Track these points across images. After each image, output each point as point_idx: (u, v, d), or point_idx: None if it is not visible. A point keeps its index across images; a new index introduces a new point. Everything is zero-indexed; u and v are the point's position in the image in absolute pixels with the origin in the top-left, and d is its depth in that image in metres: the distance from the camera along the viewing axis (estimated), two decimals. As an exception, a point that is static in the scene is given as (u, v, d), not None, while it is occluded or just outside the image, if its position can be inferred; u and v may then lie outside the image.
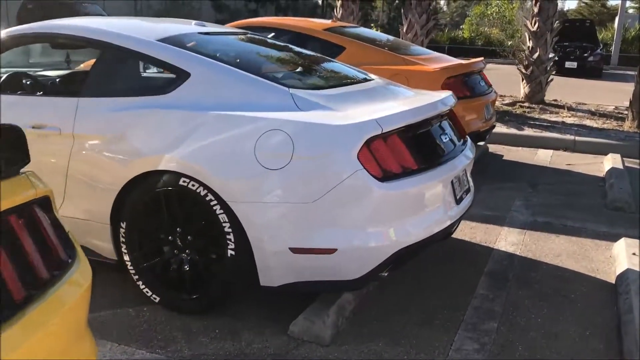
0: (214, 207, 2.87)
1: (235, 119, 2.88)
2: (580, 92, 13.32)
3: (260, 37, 4.21)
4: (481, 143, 6.88)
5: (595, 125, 8.57)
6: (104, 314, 3.10)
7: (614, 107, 10.42)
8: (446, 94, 3.71)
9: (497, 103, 9.88)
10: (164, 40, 3.30)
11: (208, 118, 2.93)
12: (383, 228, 2.82)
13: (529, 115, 9.14)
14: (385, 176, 2.79)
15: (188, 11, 24.22)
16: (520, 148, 7.51)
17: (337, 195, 2.73)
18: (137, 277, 3.16)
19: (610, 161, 6.49)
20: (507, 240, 4.30)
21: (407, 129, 2.98)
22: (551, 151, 7.37)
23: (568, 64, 19.23)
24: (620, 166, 6.30)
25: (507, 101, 10.26)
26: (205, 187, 2.87)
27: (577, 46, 19.59)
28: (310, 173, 2.75)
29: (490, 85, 6.54)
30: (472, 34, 26.80)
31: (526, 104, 9.93)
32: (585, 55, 19.40)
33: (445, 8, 49.89)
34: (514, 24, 25.07)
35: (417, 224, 2.95)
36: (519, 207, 5.09)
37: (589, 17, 29.09)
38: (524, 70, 10.24)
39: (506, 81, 13.33)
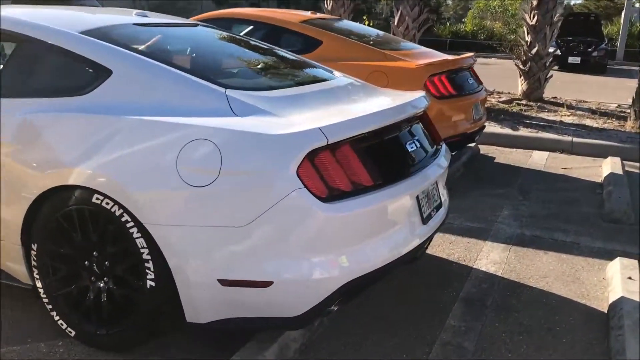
0: (131, 230, 2.44)
1: (155, 125, 2.44)
2: (582, 89, 12.84)
3: (213, 29, 3.75)
4: (472, 145, 6.44)
5: (595, 125, 8.09)
6: (12, 350, 2.67)
7: (616, 105, 9.93)
8: (418, 94, 3.27)
9: (493, 100, 9.42)
10: (88, 32, 2.85)
11: (126, 124, 2.49)
12: (328, 257, 2.38)
13: (525, 113, 8.67)
14: (332, 195, 2.35)
15: (185, 6, 23.71)
16: (515, 150, 7.05)
17: (273, 218, 2.29)
18: (50, 306, 2.74)
19: (609, 165, 6.03)
20: (489, 258, 3.86)
21: (364, 137, 2.54)
22: (547, 153, 6.91)
23: (571, 59, 18.70)
24: (620, 171, 5.84)
25: (503, 98, 9.78)
26: (121, 206, 2.44)
27: (581, 41, 19.04)
28: (241, 192, 2.32)
29: (480, 83, 6.08)
30: (475, 28, 26.23)
31: (523, 102, 9.46)
32: (589, 50, 18.86)
33: (449, 1, 49.22)
34: (517, 17, 24.49)
35: (370, 251, 2.51)
36: (506, 217, 4.64)
37: (594, 11, 28.47)
38: (521, 66, 9.75)
39: (506, 77, 12.87)
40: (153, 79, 2.63)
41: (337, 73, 3.57)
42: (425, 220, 2.86)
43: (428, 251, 3.88)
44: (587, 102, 10.11)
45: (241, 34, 5.80)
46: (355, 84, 3.40)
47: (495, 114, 8.41)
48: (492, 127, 7.63)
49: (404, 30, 8.90)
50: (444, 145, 3.47)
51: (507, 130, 7.52)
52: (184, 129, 2.39)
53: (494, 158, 6.65)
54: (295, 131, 2.33)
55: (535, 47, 9.53)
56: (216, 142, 2.33)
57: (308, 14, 6.04)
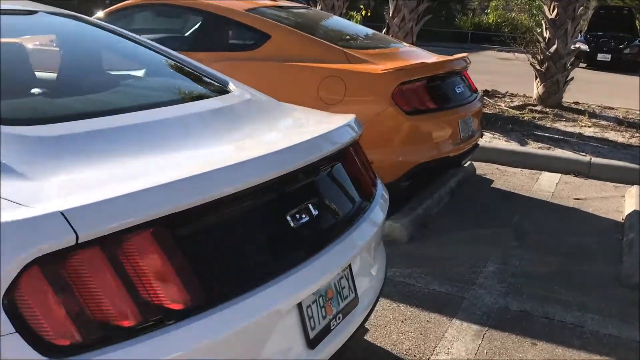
0: None
1: None
2: (609, 91, 11.50)
3: (64, 19, 2.64)
4: (466, 164, 5.28)
5: (620, 139, 6.83)
6: None
7: (647, 112, 8.63)
8: (341, 120, 2.19)
9: (502, 105, 8.21)
10: None
11: None
12: None
13: (538, 123, 7.43)
14: (89, 341, 1.26)
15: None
16: (520, 170, 5.85)
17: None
18: None
19: (634, 199, 4.81)
20: (452, 352, 2.73)
21: (192, 215, 1.45)
22: (558, 176, 5.69)
23: (600, 56, 17.30)
24: (647, 207, 4.64)
25: (516, 103, 8.54)
26: None
27: (612, 36, 17.59)
28: None
29: (474, 91, 4.91)
30: (498, 20, 24.71)
31: (538, 108, 8.20)
32: (621, 46, 17.41)
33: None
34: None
35: None
36: (489, 277, 3.49)
37: (628, 5, 26.71)
38: (538, 67, 8.48)
39: (527, 75, 11.55)
40: None
41: (234, 86, 2.48)
42: (314, 342, 1.74)
43: (366, 336, 2.77)
44: (613, 108, 8.81)
45: (186, 30, 4.73)
46: (251, 105, 2.29)
47: (502, 123, 7.20)
48: (495, 140, 6.44)
49: (399, 22, 7.70)
50: (379, 187, 2.36)
51: (513, 145, 6.31)
52: None
53: (492, 182, 5.46)
54: (11, 220, 1.23)
55: (554, 44, 8.25)
56: None
57: (265, 0, 4.91)
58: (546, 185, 5.39)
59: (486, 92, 9.22)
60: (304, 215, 1.80)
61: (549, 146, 6.32)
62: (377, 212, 2.24)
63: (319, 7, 8.85)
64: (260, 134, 2.04)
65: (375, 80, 3.92)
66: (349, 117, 2.30)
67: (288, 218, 1.75)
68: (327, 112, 2.55)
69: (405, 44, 5.22)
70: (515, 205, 4.81)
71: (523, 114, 7.82)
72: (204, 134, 1.92)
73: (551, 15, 8.25)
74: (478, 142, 4.91)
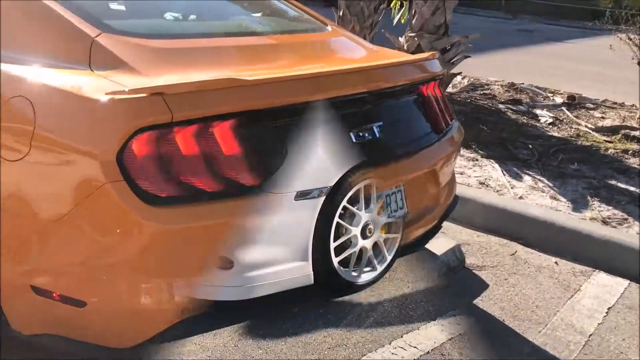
0: None
1: None
2: None
3: None
4: (451, 246, 2.86)
5: None
6: None
7: None
8: None
9: (584, 124, 5.46)
10: None
11: None
12: None
13: (628, 162, 4.62)
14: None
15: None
16: (553, 262, 3.28)
17: None
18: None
19: None
20: None
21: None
22: (624, 285, 3.08)
23: None
24: None
25: (607, 122, 5.69)
26: None
27: None
28: None
29: (438, 129, 2.46)
30: (644, -3, 20.26)
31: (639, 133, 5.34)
32: None
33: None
34: None
35: None
36: None
37: None
38: (647, 65, 5.59)
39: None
40: None
41: None
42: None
43: None
44: None
45: None
46: None
47: (565, 158, 4.52)
48: (535, 193, 3.87)
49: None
50: None
51: (560, 208, 3.69)
52: None
53: (485, 288, 2.97)
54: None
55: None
56: None
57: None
58: (586, 312, 2.82)
59: (570, 100, 6.39)
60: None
61: (625, 216, 3.64)
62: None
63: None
64: None
65: (86, 118, 1.67)
66: None
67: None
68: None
69: (332, 27, 2.82)
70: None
71: (611, 141, 5.02)
72: None
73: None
74: (432, 228, 2.48)
